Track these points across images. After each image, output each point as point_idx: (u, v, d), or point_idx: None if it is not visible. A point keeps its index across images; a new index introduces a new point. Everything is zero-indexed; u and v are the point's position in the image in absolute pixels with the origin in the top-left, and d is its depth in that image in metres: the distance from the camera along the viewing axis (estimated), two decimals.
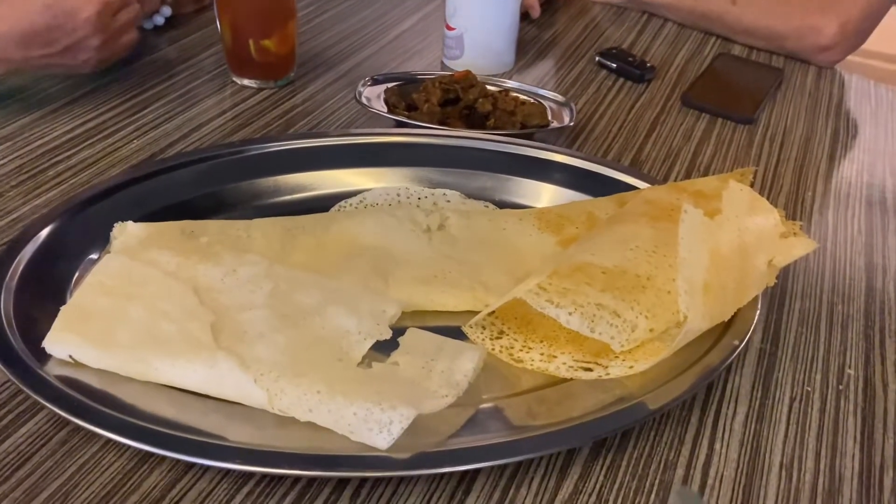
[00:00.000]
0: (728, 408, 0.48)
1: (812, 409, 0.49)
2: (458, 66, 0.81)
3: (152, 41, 0.85)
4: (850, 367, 0.52)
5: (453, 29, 0.82)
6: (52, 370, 0.44)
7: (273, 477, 0.42)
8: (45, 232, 0.53)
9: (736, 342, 0.49)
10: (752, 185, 0.55)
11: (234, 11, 0.75)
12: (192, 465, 0.42)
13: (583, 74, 0.86)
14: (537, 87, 0.76)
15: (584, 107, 0.79)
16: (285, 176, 0.62)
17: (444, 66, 0.84)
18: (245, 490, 0.41)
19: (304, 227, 0.57)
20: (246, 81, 0.78)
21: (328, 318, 0.48)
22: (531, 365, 0.48)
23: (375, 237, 0.57)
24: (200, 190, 0.60)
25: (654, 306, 0.47)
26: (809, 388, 0.50)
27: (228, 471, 0.41)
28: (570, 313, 0.46)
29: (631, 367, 0.47)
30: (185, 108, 0.75)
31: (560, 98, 0.74)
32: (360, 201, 0.62)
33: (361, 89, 0.72)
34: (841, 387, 0.51)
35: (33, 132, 0.69)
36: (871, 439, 0.47)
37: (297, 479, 0.42)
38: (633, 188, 0.61)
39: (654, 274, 0.48)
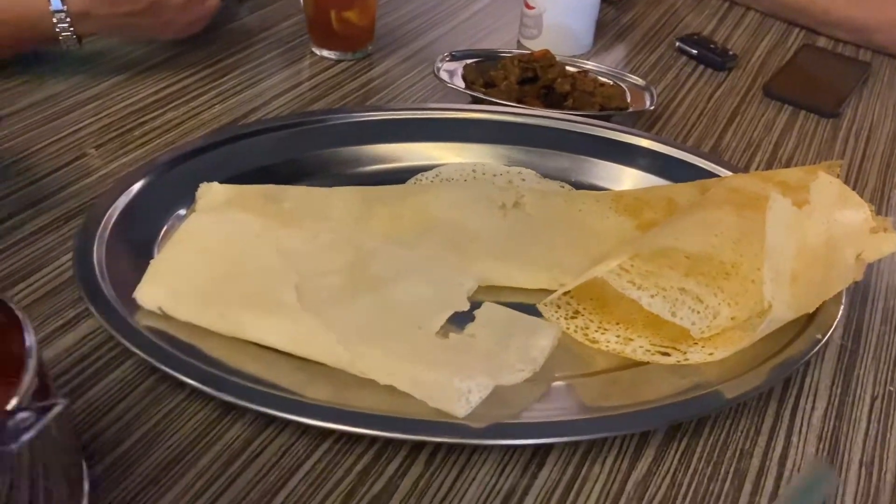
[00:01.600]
0: (806, 402, 0.47)
1: (894, 409, 0.48)
2: (535, 45, 0.80)
3: (233, 9, 0.87)
4: None
5: (532, 8, 0.81)
6: (141, 320, 0.46)
7: (350, 436, 0.42)
8: (134, 187, 0.54)
9: (819, 336, 0.47)
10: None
11: None
12: (273, 420, 0.43)
13: (661, 60, 0.84)
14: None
15: (662, 92, 0.78)
16: (363, 147, 0.63)
17: (520, 46, 0.84)
18: (323, 447, 0.42)
19: (381, 197, 0.58)
20: (325, 53, 0.78)
21: (407, 287, 0.48)
22: (606, 346, 0.48)
23: (451, 211, 0.57)
24: (282, 156, 0.61)
25: (737, 294, 0.46)
26: (892, 388, 0.49)
27: (307, 428, 0.42)
28: (651, 296, 0.45)
29: (711, 353, 0.46)
30: (265, 76, 0.76)
31: (640, 81, 0.73)
32: (436, 175, 0.62)
33: (440, 64, 0.73)
34: None
35: (120, 93, 0.71)
36: None
37: (373, 440, 0.42)
38: (714, 176, 0.60)
39: (739, 262, 0.47)
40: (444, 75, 0.71)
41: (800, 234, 0.48)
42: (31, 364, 0.30)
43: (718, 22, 0.93)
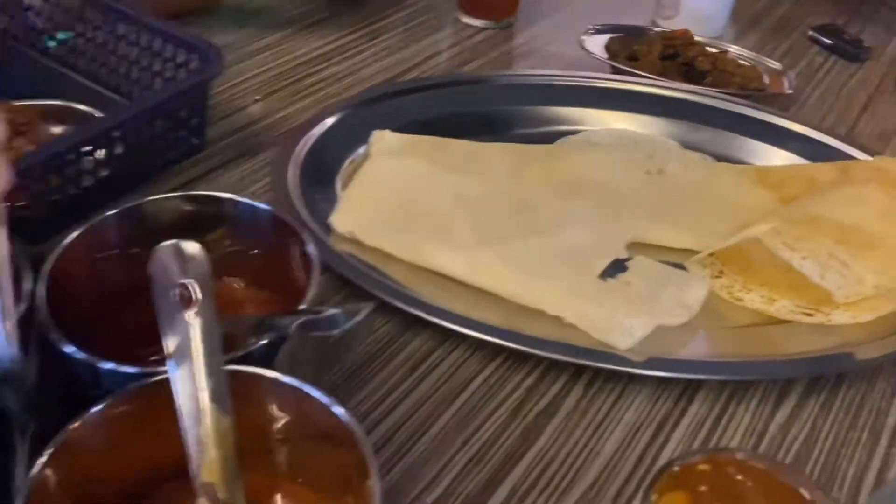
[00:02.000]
0: None
1: None
2: (671, 26, 0.83)
3: None
4: None
5: None
6: (334, 244, 0.51)
7: (519, 356, 0.47)
8: (318, 128, 0.60)
9: None
10: None
11: None
12: (449, 336, 0.48)
13: (793, 48, 0.86)
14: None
15: (795, 78, 0.80)
16: (514, 107, 0.67)
17: (654, 25, 0.86)
18: (493, 365, 0.47)
19: (535, 156, 0.62)
20: (471, 21, 0.83)
21: (569, 234, 0.53)
22: (751, 304, 0.51)
23: (599, 173, 0.61)
24: (440, 112, 0.66)
25: (884, 265, 0.49)
26: None
27: (480, 344, 0.47)
28: (803, 258, 0.49)
29: (853, 316, 0.49)
30: (415, 40, 0.81)
31: (777, 66, 0.75)
32: (582, 139, 0.66)
33: (584, 37, 0.76)
34: None
35: (287, 46, 0.77)
36: None
37: (538, 362, 0.47)
38: (853, 159, 0.63)
39: (886, 235, 0.50)
40: (588, 47, 0.75)
41: None
42: (316, 271, 0.36)
43: (851, 14, 0.94)
